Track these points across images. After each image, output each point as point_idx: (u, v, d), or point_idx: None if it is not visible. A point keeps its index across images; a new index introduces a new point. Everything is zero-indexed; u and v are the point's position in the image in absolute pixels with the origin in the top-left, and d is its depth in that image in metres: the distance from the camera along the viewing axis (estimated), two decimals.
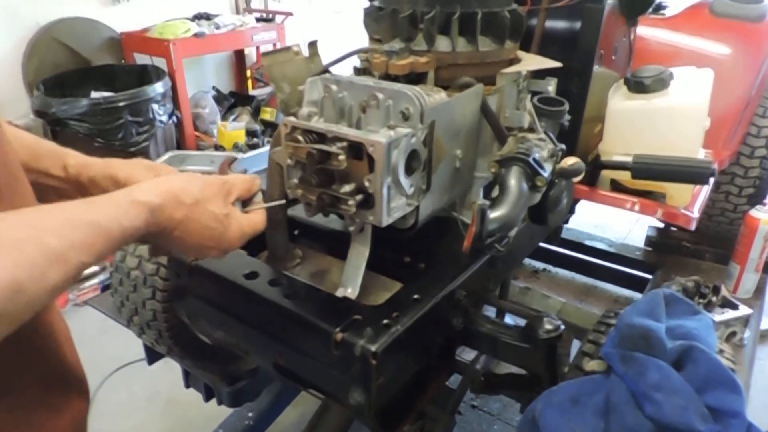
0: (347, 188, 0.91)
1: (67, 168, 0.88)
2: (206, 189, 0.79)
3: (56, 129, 3.36)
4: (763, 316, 1.96)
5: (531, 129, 1.13)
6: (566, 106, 1.15)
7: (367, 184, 0.89)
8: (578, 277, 2.79)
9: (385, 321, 0.90)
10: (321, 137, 0.92)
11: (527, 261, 2.75)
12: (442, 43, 1.10)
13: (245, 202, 0.89)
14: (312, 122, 0.96)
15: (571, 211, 1.94)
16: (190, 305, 1.15)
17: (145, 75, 3.94)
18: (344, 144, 0.89)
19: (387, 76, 1.07)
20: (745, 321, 1.66)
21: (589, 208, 1.83)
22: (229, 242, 0.82)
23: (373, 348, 0.84)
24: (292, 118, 0.95)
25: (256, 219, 0.88)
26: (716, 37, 2.01)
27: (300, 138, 0.92)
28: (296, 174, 0.97)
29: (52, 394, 0.83)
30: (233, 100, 4.80)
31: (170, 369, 1.74)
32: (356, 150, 0.89)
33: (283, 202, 1.04)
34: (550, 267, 2.86)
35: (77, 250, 0.60)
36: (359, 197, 0.90)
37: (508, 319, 1.99)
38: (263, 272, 1.04)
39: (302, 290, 1.01)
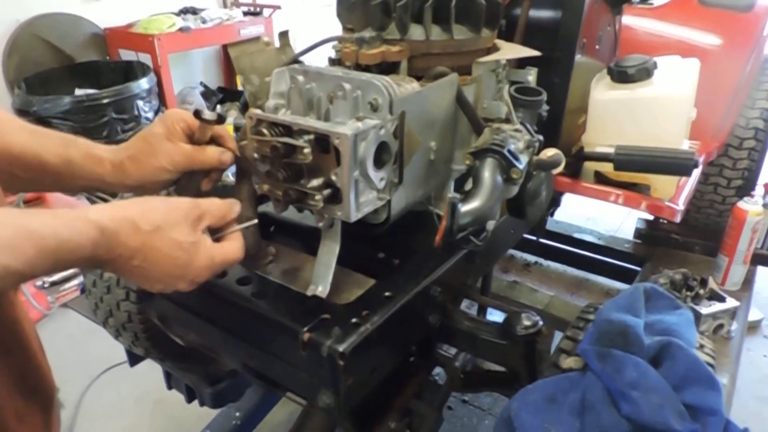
0: (315, 183, 0.88)
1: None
2: (171, 214, 0.74)
3: None
4: (750, 307, 1.94)
5: (507, 120, 1.09)
6: (543, 96, 1.12)
7: (334, 178, 0.86)
8: (569, 270, 2.78)
9: (354, 320, 0.87)
10: (287, 130, 0.88)
11: (519, 254, 2.74)
12: (416, 32, 1.07)
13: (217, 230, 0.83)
14: (279, 115, 0.93)
15: (556, 203, 1.91)
16: (159, 306, 1.12)
17: (131, 71, 3.90)
18: (311, 137, 0.86)
19: (358, 66, 1.04)
20: (732, 313, 1.64)
21: (580, 201, 1.81)
22: (196, 273, 0.76)
23: (340, 348, 0.81)
24: (257, 111, 0.92)
25: (229, 248, 0.81)
26: (704, 27, 1.98)
27: (265, 131, 0.88)
28: (263, 168, 0.93)
29: (18, 401, 0.80)
30: (221, 96, 4.76)
31: (158, 369, 1.72)
32: (323, 143, 0.86)
33: (255, 222, 0.97)
34: (541, 260, 2.84)
35: (1, 249, 0.56)
36: (327, 192, 0.87)
37: (495, 315, 1.97)
38: (232, 271, 1.01)
39: (271, 289, 0.98)
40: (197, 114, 0.91)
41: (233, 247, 0.82)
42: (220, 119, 0.91)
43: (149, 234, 0.70)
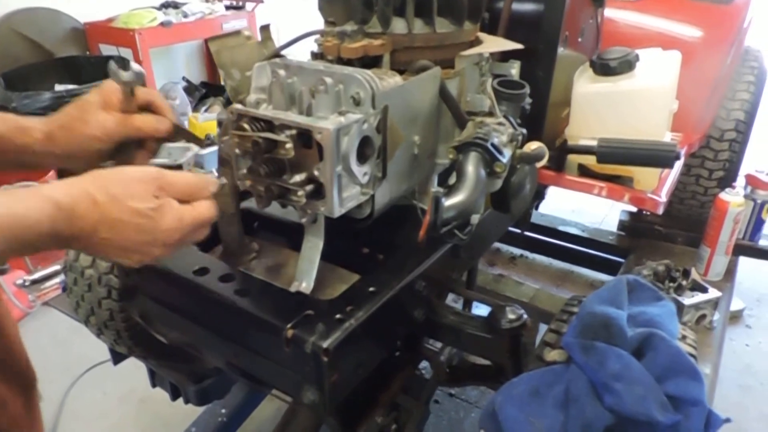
0: (297, 178, 0.87)
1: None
2: (129, 184, 0.72)
3: None
4: (732, 297, 1.96)
5: (490, 113, 1.09)
6: (526, 89, 1.12)
7: (316, 173, 0.85)
8: (555, 263, 2.80)
9: (338, 316, 0.86)
10: (269, 125, 0.87)
11: (504, 247, 2.75)
12: (398, 25, 1.06)
13: None
14: (260, 109, 0.92)
15: (540, 196, 1.92)
16: (141, 305, 1.11)
17: None
18: (293, 132, 0.85)
19: (340, 60, 1.03)
20: (714, 304, 1.66)
21: (564, 193, 1.81)
22: (165, 235, 0.73)
23: (324, 344, 0.81)
24: (238, 105, 0.91)
25: (200, 207, 0.77)
26: (686, 19, 1.99)
27: (246, 126, 0.87)
28: (245, 164, 0.92)
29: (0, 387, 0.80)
30: (205, 91, 4.70)
31: (142, 367, 1.70)
32: (305, 138, 0.85)
33: (225, 182, 0.92)
34: (527, 253, 2.86)
35: None
36: (309, 187, 0.86)
37: (481, 309, 1.98)
38: (214, 268, 1.00)
39: (254, 286, 0.97)
40: (113, 74, 0.87)
41: (204, 205, 0.78)
42: (138, 77, 0.87)
43: (106, 205, 0.69)
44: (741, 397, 2.37)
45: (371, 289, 0.94)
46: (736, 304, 2.74)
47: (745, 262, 2.11)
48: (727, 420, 0.79)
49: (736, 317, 2.77)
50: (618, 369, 0.78)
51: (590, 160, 1.46)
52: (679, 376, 0.78)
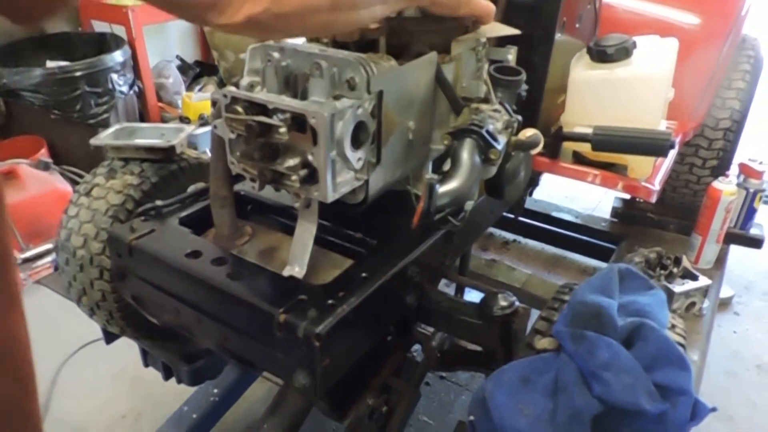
0: (291, 162, 0.87)
1: None
2: None
3: (9, 101, 3.22)
4: (722, 284, 1.98)
5: (486, 99, 1.09)
6: (523, 76, 1.11)
7: (310, 157, 0.85)
8: (547, 248, 2.81)
9: (330, 301, 0.86)
10: (263, 108, 0.87)
11: (498, 232, 2.77)
12: None
13: None
14: (254, 93, 0.91)
15: (534, 183, 1.92)
16: (133, 286, 1.10)
17: (104, 43, 3.78)
18: (287, 116, 0.84)
19: (335, 44, 1.02)
20: (704, 291, 1.67)
21: (558, 180, 1.81)
22: None
23: (316, 330, 0.81)
24: (231, 88, 0.90)
25: None
26: (684, 6, 1.98)
27: (240, 109, 0.87)
28: (239, 148, 0.92)
29: None
30: (198, 70, 4.65)
31: (135, 346, 1.70)
32: (299, 122, 0.84)
33: None
34: (520, 238, 2.87)
35: None
36: (303, 172, 0.86)
37: (474, 294, 1.99)
38: (207, 251, 0.99)
39: (247, 270, 0.96)
40: None
41: None
42: None
43: None
44: (727, 382, 2.41)
45: (364, 274, 0.94)
46: (725, 292, 2.77)
47: (735, 250, 2.13)
48: (713, 409, 0.80)
49: (725, 304, 2.80)
50: (607, 358, 0.79)
51: (585, 148, 1.46)
52: (668, 366, 0.79)
